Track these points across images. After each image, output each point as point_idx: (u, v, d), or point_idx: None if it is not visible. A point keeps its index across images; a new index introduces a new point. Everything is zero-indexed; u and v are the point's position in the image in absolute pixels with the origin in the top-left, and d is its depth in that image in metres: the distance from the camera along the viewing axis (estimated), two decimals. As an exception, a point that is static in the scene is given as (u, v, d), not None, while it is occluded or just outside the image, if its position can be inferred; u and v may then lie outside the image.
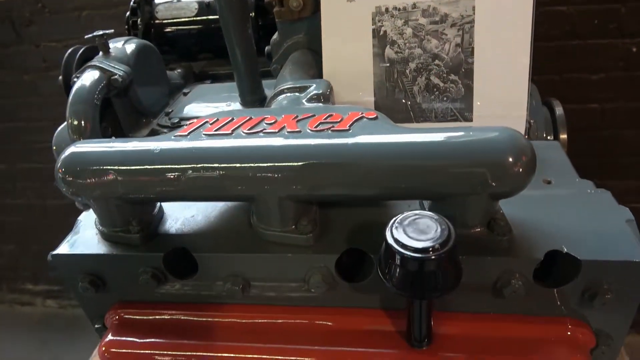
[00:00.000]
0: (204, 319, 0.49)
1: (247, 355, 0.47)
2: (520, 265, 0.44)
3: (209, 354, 0.48)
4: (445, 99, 0.64)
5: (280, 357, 0.46)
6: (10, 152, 1.70)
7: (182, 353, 0.48)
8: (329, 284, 0.47)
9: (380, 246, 0.40)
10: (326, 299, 0.48)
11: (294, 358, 0.45)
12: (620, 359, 0.68)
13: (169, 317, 0.49)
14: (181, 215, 0.54)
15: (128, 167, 0.46)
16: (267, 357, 0.47)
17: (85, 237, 0.54)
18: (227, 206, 0.54)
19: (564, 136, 0.72)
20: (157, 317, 0.50)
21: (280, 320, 0.47)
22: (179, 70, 1.00)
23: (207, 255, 0.48)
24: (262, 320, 0.47)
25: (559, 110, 0.74)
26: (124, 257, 0.50)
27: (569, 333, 0.43)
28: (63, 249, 0.53)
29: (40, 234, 1.85)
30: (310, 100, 0.58)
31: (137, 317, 0.50)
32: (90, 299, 0.53)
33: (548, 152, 0.59)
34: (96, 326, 0.54)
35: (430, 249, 0.37)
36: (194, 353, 0.48)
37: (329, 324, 0.47)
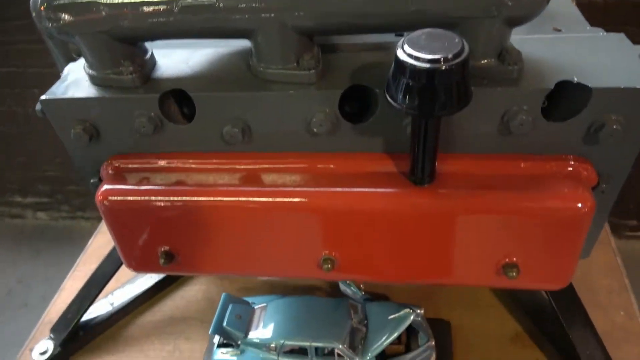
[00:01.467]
0: (203, 166, 0.47)
1: (245, 198, 0.47)
2: (529, 96, 0.42)
3: (208, 198, 0.47)
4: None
5: (280, 199, 0.46)
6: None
7: (180, 198, 0.47)
8: (331, 123, 0.45)
9: (385, 83, 0.39)
10: (328, 143, 0.47)
11: (294, 199, 0.44)
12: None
13: (166, 164, 0.48)
14: (175, 63, 0.51)
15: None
16: (267, 199, 0.46)
17: (76, 82, 0.51)
18: (224, 53, 0.52)
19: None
20: (154, 165, 0.48)
21: (281, 165, 0.46)
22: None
23: (205, 96, 0.46)
24: (262, 166, 0.46)
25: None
26: (118, 99, 0.48)
27: (571, 169, 0.43)
28: (52, 93, 0.50)
29: (25, 143, 1.80)
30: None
31: (134, 165, 0.49)
32: (84, 151, 0.52)
33: (557, 3, 0.57)
34: (91, 181, 0.52)
35: (442, 59, 0.36)
36: (192, 198, 0.47)
37: (331, 166, 0.46)
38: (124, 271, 0.82)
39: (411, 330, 0.63)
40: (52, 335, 0.74)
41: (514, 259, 0.42)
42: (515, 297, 0.71)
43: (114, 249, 0.73)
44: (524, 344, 0.68)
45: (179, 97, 0.48)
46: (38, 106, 0.51)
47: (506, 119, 0.43)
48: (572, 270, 0.44)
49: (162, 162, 0.48)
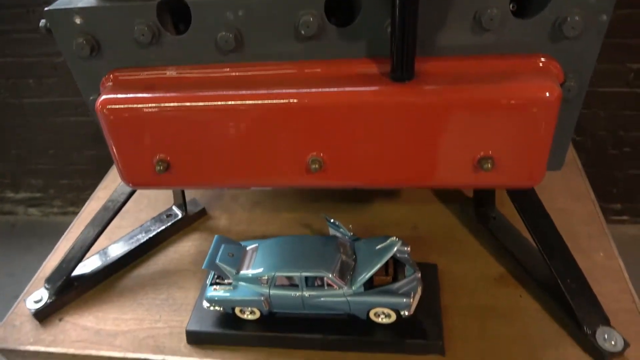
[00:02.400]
0: (198, 75, 0.50)
1: (237, 102, 0.48)
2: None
3: (201, 103, 0.48)
4: None
5: (269, 101, 0.47)
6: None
7: (174, 104, 0.49)
8: (318, 25, 0.47)
9: None
10: (315, 50, 0.49)
11: (283, 100, 0.46)
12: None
13: (163, 75, 0.50)
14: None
15: None
16: (257, 101, 0.48)
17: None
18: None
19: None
20: (151, 76, 0.50)
21: (271, 72, 0.48)
22: None
23: (199, 3, 0.48)
24: (254, 73, 0.49)
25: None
26: (118, 7, 0.49)
27: (541, 65, 0.46)
28: (56, 5, 0.52)
29: (19, 136, 1.82)
30: None
31: (132, 77, 0.51)
32: (85, 65, 0.53)
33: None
34: (91, 98, 0.54)
35: None
36: (186, 103, 0.48)
37: (318, 70, 0.48)
38: (117, 230, 0.84)
39: (398, 264, 0.65)
40: (46, 286, 0.75)
41: (490, 152, 0.45)
42: (500, 242, 0.74)
43: (106, 204, 0.75)
44: (507, 283, 0.70)
45: (174, 15, 0.51)
46: (42, 22, 0.53)
47: (478, 16, 0.46)
48: (543, 167, 0.47)
49: (159, 74, 0.50)
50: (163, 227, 0.83)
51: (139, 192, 0.92)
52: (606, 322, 0.61)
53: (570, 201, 0.81)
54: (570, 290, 0.62)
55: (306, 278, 0.62)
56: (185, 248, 0.82)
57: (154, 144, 0.49)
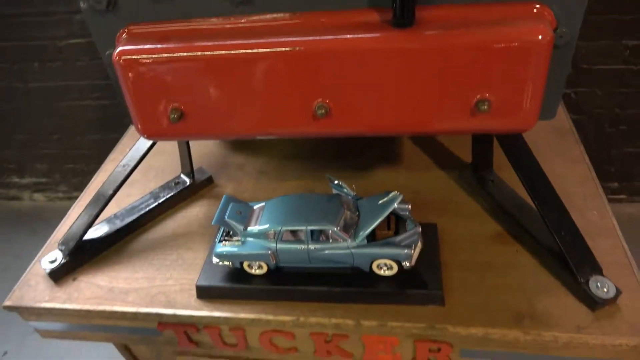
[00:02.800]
0: (210, 27, 0.52)
1: (247, 50, 0.50)
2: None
3: (213, 52, 0.51)
4: None
5: (278, 49, 0.50)
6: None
7: (187, 53, 0.51)
8: None
9: None
10: (320, 2, 0.51)
11: (291, 47, 0.49)
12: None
13: (176, 28, 0.53)
14: None
15: None
16: (267, 50, 0.50)
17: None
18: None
19: None
20: (165, 29, 0.53)
21: (279, 22, 0.51)
22: None
23: None
24: (262, 24, 0.51)
25: None
26: None
27: (535, 11, 0.48)
28: None
29: (24, 121, 1.84)
30: None
31: (147, 30, 0.53)
32: (102, 20, 0.55)
33: None
34: (107, 53, 0.57)
35: None
36: (199, 53, 0.51)
37: (323, 20, 0.50)
38: (126, 198, 0.87)
39: (399, 220, 0.68)
40: (60, 247, 0.77)
41: (486, 95, 0.48)
42: (497, 202, 0.77)
43: (117, 168, 0.78)
44: (504, 241, 0.73)
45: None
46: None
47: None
48: (537, 110, 0.49)
49: (173, 26, 0.53)
50: (172, 194, 0.85)
51: (147, 163, 0.94)
52: (599, 271, 0.63)
53: (566, 165, 0.84)
54: (564, 241, 0.65)
55: (311, 232, 0.64)
56: (193, 213, 0.85)
57: (167, 93, 0.52)
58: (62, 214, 2.48)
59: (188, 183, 0.87)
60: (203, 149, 0.98)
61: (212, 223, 0.67)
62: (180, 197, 0.87)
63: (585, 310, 0.62)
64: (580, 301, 0.63)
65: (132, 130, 1.07)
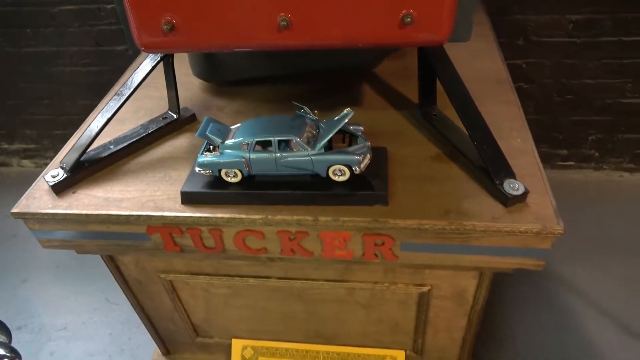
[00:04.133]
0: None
1: None
2: None
3: None
4: None
5: None
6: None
7: None
8: None
9: None
10: None
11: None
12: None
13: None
14: None
15: None
16: None
17: None
18: None
19: None
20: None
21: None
22: None
23: None
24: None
25: None
26: None
27: None
28: None
29: (16, 86, 1.93)
30: None
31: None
32: None
33: None
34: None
35: None
36: None
37: None
38: (119, 132, 0.98)
39: (353, 137, 0.81)
40: (62, 165, 0.89)
41: (410, 10, 0.61)
42: (438, 131, 0.90)
43: (113, 96, 0.90)
44: (442, 160, 0.87)
45: None
46: None
47: None
48: (450, 24, 0.63)
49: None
50: (160, 126, 0.98)
51: (137, 104, 1.07)
52: (512, 176, 0.78)
53: (500, 106, 0.98)
54: (486, 154, 0.79)
55: (279, 142, 0.77)
56: (178, 143, 0.97)
57: (161, 4, 0.63)
58: None
59: (175, 117, 0.99)
60: (187, 94, 1.10)
61: (196, 135, 0.80)
62: (167, 130, 0.99)
63: (500, 206, 0.77)
64: (496, 200, 0.77)
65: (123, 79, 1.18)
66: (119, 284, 1.10)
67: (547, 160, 1.83)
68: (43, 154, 2.16)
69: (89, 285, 1.67)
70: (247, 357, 1.20)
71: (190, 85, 1.14)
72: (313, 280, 1.00)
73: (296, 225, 0.79)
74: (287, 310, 1.10)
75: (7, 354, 0.89)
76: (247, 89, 1.11)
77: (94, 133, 0.89)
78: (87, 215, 0.84)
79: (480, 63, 1.13)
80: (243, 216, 0.80)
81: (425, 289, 0.96)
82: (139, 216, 0.82)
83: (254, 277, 1.01)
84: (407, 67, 1.12)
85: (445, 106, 0.92)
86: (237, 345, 1.20)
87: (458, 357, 1.15)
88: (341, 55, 0.97)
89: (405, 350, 1.14)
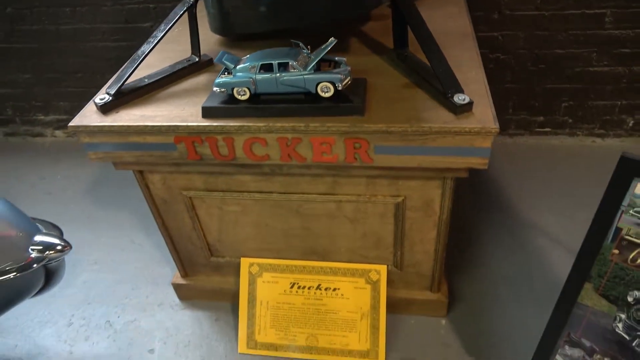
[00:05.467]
0: None
1: None
2: None
3: None
4: None
5: None
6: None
7: None
8: None
9: None
10: None
11: None
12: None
13: None
14: None
15: None
16: None
17: None
18: None
19: None
20: None
21: None
22: None
23: None
24: None
25: None
26: None
27: None
28: None
29: (54, 61, 2.18)
30: None
31: None
32: None
33: None
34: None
35: None
36: None
37: None
38: (148, 70, 1.20)
39: (336, 64, 1.03)
40: (108, 91, 1.12)
41: None
42: (408, 66, 1.12)
43: (155, 32, 1.13)
44: (410, 87, 1.08)
45: None
46: None
47: None
48: None
49: None
50: (184, 66, 1.20)
51: (163, 54, 1.30)
52: (461, 91, 0.99)
53: (462, 51, 1.19)
54: (441, 75, 1.00)
55: (279, 64, 0.99)
56: (199, 80, 1.20)
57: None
58: (80, 149, 2.90)
59: (196, 60, 1.22)
60: (206, 47, 1.33)
61: (214, 61, 1.02)
62: (190, 70, 1.22)
63: (451, 115, 0.97)
64: (448, 110, 0.98)
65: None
66: (148, 204, 1.32)
67: (526, 127, 2.03)
68: (74, 125, 2.40)
69: (116, 230, 1.89)
70: (253, 273, 1.41)
71: (208, 41, 1.36)
72: (308, 194, 1.21)
73: (292, 131, 1.01)
74: (287, 227, 1.31)
75: (62, 242, 1.13)
76: (255, 43, 1.33)
77: (132, 68, 1.12)
78: (127, 126, 1.06)
79: (452, 22, 1.34)
80: (250, 124, 1.02)
81: (399, 199, 1.17)
82: (169, 126, 1.05)
83: (259, 192, 1.23)
84: (387, 27, 1.33)
85: (416, 50, 1.13)
86: (245, 262, 1.41)
87: (432, 271, 1.34)
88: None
89: (387, 265, 1.35)
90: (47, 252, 1.11)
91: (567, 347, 1.02)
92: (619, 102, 1.89)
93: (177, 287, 1.55)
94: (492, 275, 1.57)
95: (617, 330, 0.93)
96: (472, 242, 1.69)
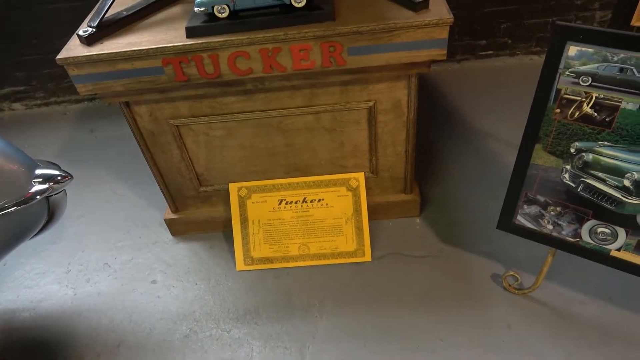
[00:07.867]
0: None
1: None
2: None
3: None
4: None
5: None
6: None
7: None
8: None
9: None
10: None
11: None
12: None
13: None
14: None
15: None
16: None
17: None
18: None
19: None
20: None
21: None
22: None
23: None
24: None
25: None
26: None
27: None
28: None
29: (5, 29, 2.14)
30: None
31: None
32: None
33: None
34: None
35: None
36: None
37: None
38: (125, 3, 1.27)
39: None
40: (89, 24, 1.18)
41: None
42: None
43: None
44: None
45: None
46: None
47: None
48: None
49: None
50: (158, -2, 1.27)
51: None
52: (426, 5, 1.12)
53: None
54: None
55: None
56: (174, 10, 1.27)
57: None
58: (41, 119, 2.90)
59: (170, -8, 1.29)
60: (174, -17, 1.39)
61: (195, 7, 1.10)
62: (164, 2, 1.28)
63: (412, 13, 1.11)
64: (409, 9, 1.12)
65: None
66: (135, 137, 1.39)
67: (471, 51, 2.21)
68: (33, 95, 2.37)
69: (97, 185, 1.93)
70: (242, 196, 1.52)
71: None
72: (288, 108, 1.32)
73: (272, 41, 1.11)
74: (270, 146, 1.42)
75: (62, 173, 1.19)
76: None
77: (110, 1, 1.18)
78: (115, 53, 1.13)
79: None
80: (233, 38, 1.11)
81: (371, 103, 1.30)
82: (157, 49, 1.12)
83: (242, 112, 1.33)
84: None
85: None
86: (233, 188, 1.52)
87: (404, 173, 1.50)
88: None
89: (365, 172, 1.49)
90: (49, 183, 1.18)
91: (525, 206, 1.21)
92: (550, 20, 2.10)
93: (169, 223, 1.64)
94: (454, 178, 1.75)
95: (564, 180, 1.12)
96: (435, 153, 1.86)
